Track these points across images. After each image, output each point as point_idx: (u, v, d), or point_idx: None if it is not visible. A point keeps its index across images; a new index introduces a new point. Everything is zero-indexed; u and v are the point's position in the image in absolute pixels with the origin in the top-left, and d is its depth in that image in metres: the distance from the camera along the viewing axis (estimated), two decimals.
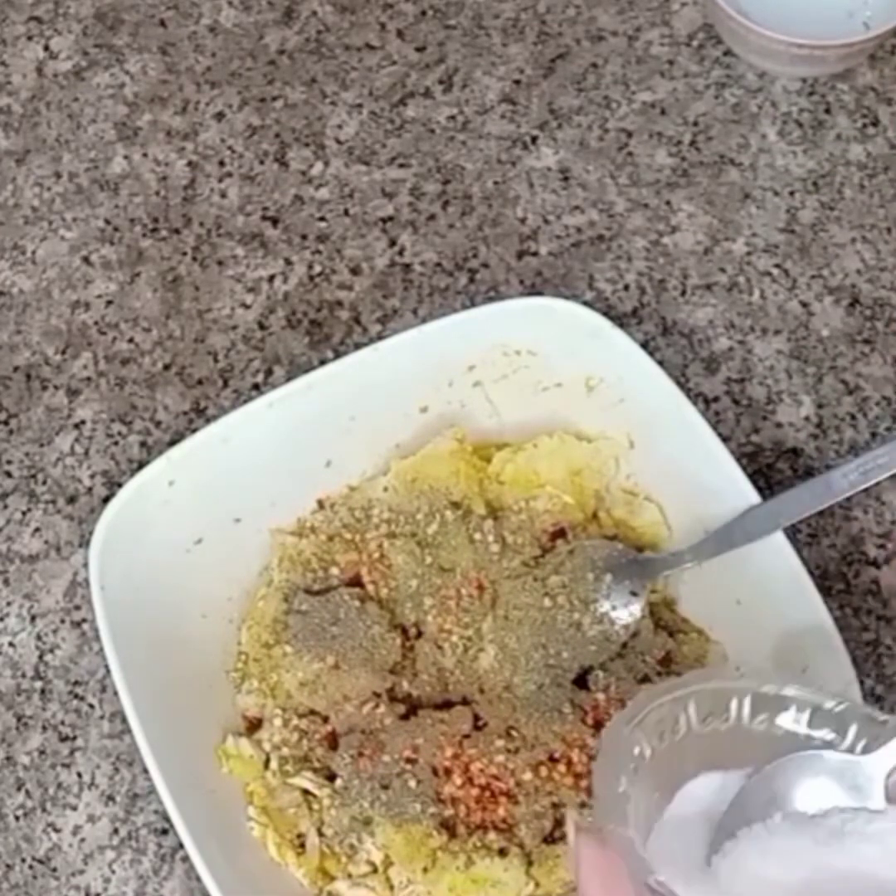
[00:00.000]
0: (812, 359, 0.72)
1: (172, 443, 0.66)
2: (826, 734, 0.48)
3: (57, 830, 0.64)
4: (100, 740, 0.65)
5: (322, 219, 0.77)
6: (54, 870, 0.63)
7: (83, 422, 0.72)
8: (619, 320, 0.68)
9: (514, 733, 0.60)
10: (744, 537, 0.61)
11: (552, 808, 0.59)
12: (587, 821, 0.48)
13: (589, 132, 0.78)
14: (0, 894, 0.63)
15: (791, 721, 0.48)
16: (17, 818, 0.64)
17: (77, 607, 0.68)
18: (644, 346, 0.66)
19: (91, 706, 0.66)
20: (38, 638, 0.67)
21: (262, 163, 0.78)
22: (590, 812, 0.57)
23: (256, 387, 0.72)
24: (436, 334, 0.65)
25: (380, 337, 0.72)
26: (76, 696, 0.66)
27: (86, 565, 0.61)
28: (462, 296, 0.74)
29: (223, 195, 0.77)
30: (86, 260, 0.76)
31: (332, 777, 0.60)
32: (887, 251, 0.74)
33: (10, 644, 0.67)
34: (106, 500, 0.66)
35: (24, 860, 0.63)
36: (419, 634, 0.63)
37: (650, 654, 0.62)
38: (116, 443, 0.71)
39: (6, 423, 0.72)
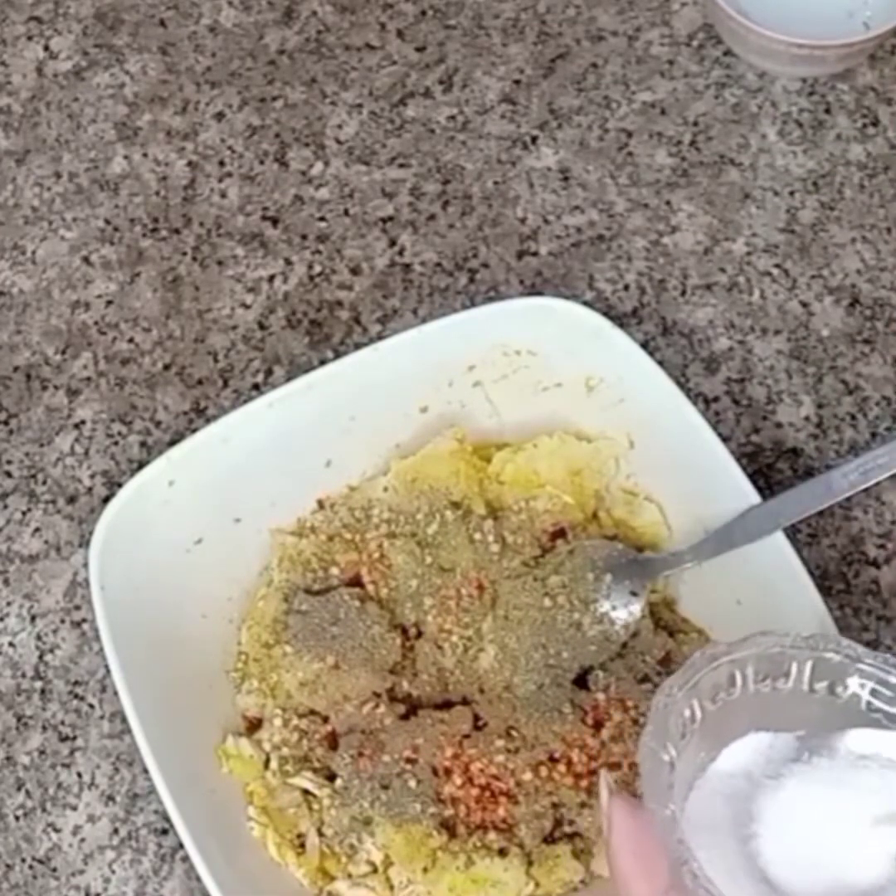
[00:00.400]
0: (812, 359, 0.72)
1: (172, 443, 0.66)
2: (888, 708, 0.47)
3: (57, 830, 0.64)
4: (100, 740, 0.65)
5: (322, 219, 0.77)
6: (54, 870, 0.63)
7: (83, 422, 0.72)
8: (619, 320, 0.68)
9: (514, 733, 0.60)
10: (744, 537, 0.61)
11: (552, 808, 0.59)
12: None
13: (589, 132, 0.78)
14: (0, 894, 0.63)
15: (854, 690, 0.47)
16: (17, 818, 0.64)
17: (77, 607, 0.68)
18: (644, 346, 0.66)
19: (91, 706, 0.66)
20: (38, 638, 0.67)
21: (262, 163, 0.78)
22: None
23: (256, 387, 0.72)
24: (436, 334, 0.65)
25: (380, 337, 0.72)
26: (76, 696, 0.66)
27: (86, 565, 0.61)
28: (462, 296, 0.74)
29: (223, 195, 0.77)
30: (86, 260, 0.76)
31: (332, 777, 0.60)
32: (887, 251, 0.74)
33: (10, 644, 0.67)
34: (106, 500, 0.66)
35: (24, 860, 0.63)
36: (419, 634, 0.63)
37: (650, 654, 0.62)
38: (116, 443, 0.71)
39: (6, 423, 0.72)
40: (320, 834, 0.59)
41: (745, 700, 0.47)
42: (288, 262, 0.75)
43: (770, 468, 0.69)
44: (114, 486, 0.69)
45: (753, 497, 0.61)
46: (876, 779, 0.45)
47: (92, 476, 0.71)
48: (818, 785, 0.45)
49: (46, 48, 0.82)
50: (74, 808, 0.64)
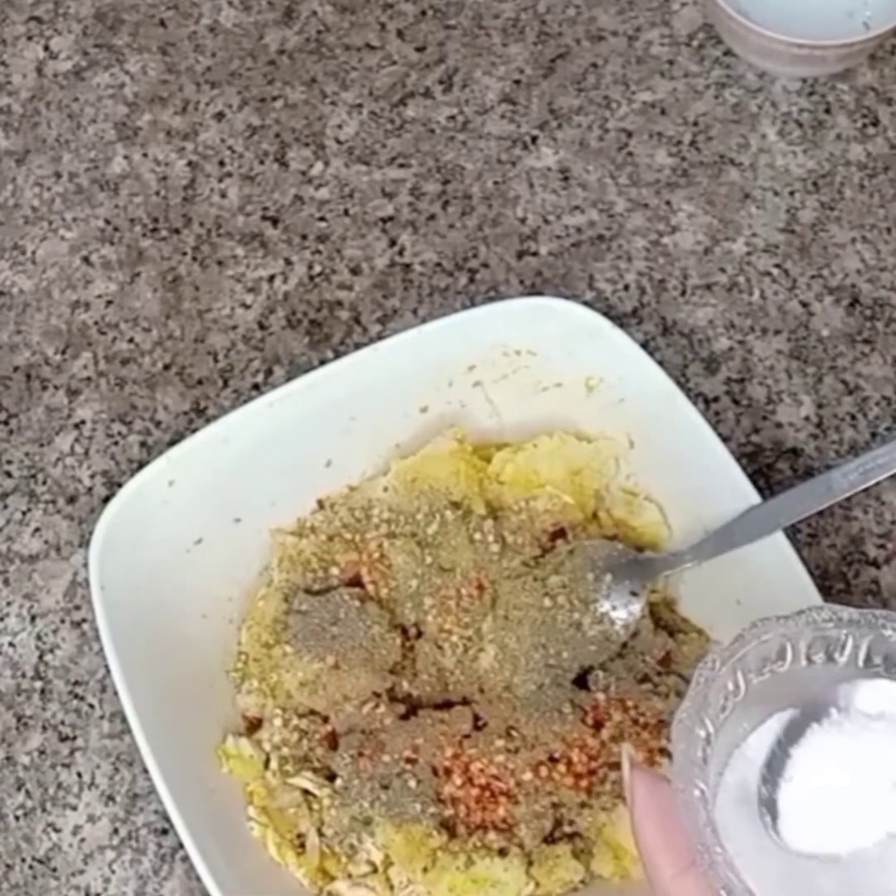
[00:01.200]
0: (812, 359, 0.72)
1: (172, 443, 0.66)
2: None
3: (57, 830, 0.64)
4: (100, 740, 0.65)
5: (322, 219, 0.77)
6: (54, 870, 0.63)
7: (83, 422, 0.72)
8: (619, 320, 0.68)
9: (514, 733, 0.60)
10: (744, 537, 0.61)
11: (552, 808, 0.59)
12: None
13: (589, 132, 0.78)
14: (0, 894, 0.63)
15: None
16: (17, 818, 0.64)
17: (77, 607, 0.68)
18: (644, 346, 0.66)
19: (91, 706, 0.66)
20: (38, 638, 0.67)
21: (262, 163, 0.78)
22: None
23: (256, 387, 0.72)
24: (436, 334, 0.65)
25: (380, 337, 0.72)
26: (76, 696, 0.66)
27: (86, 565, 0.61)
28: (462, 296, 0.74)
29: (223, 195, 0.77)
30: (86, 260, 0.76)
31: (332, 777, 0.60)
32: (887, 251, 0.74)
33: (10, 644, 0.67)
34: (106, 500, 0.66)
35: (24, 860, 0.63)
36: (419, 634, 0.63)
37: (650, 654, 0.62)
38: (116, 443, 0.71)
39: (6, 423, 0.72)
40: (320, 834, 0.59)
41: (795, 673, 0.46)
42: (288, 262, 0.75)
43: (770, 468, 0.69)
44: (114, 486, 0.69)
45: (753, 497, 0.61)
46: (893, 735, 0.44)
47: (92, 476, 0.71)
48: (836, 743, 0.44)
49: (46, 48, 0.82)
50: (74, 808, 0.64)
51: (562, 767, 0.59)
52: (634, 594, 0.62)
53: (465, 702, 0.62)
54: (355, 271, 0.75)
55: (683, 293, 0.74)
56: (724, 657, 0.45)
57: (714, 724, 0.44)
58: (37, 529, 0.70)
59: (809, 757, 0.44)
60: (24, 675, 0.66)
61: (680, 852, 0.43)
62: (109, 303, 0.75)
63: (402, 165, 0.78)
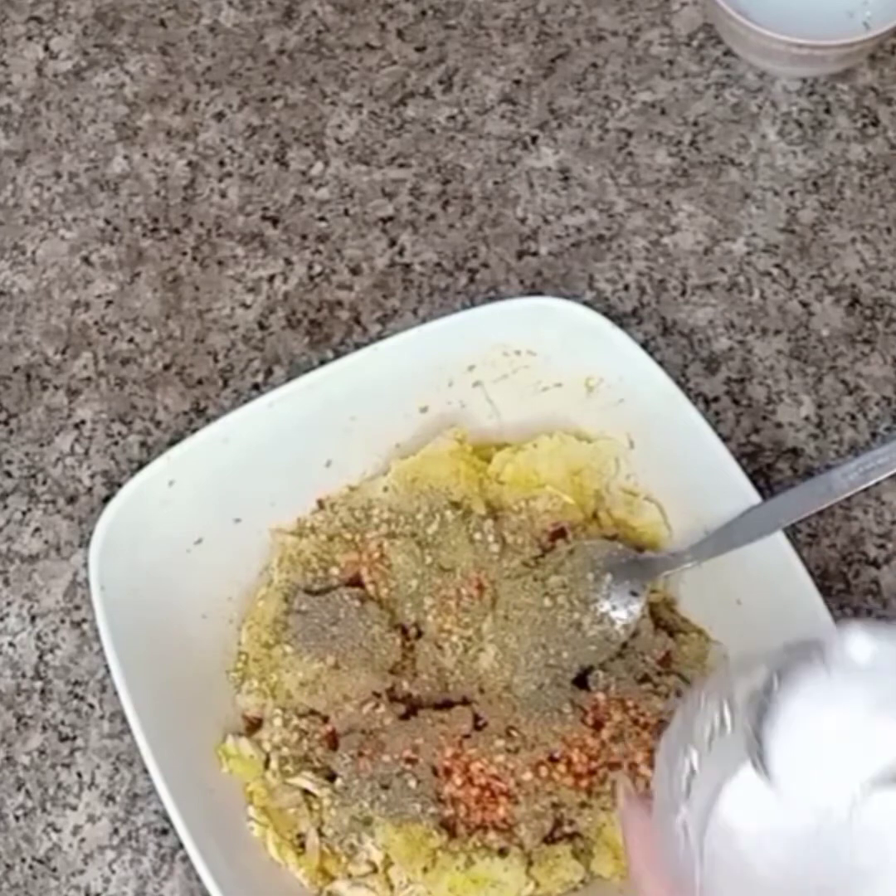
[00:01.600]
0: (812, 359, 0.72)
1: (172, 443, 0.66)
2: None
3: (57, 830, 0.64)
4: (100, 740, 0.65)
5: (322, 219, 0.77)
6: (54, 870, 0.63)
7: (83, 422, 0.72)
8: (619, 320, 0.68)
9: (514, 733, 0.60)
10: (744, 537, 0.61)
11: (552, 808, 0.59)
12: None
13: (589, 132, 0.78)
14: (0, 894, 0.63)
15: None
16: (17, 818, 0.64)
17: (77, 607, 0.68)
18: (644, 346, 0.66)
19: (91, 706, 0.66)
20: (38, 638, 0.67)
21: (262, 163, 0.78)
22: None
23: (256, 387, 0.72)
24: (436, 334, 0.65)
25: (380, 337, 0.72)
26: (76, 696, 0.66)
27: (86, 565, 0.61)
28: (462, 296, 0.74)
29: (223, 195, 0.77)
30: (86, 260, 0.76)
31: (332, 777, 0.60)
32: (887, 251, 0.74)
33: (10, 644, 0.67)
34: (106, 500, 0.66)
35: (24, 860, 0.63)
36: (419, 634, 0.63)
37: (650, 654, 0.62)
38: (116, 443, 0.71)
39: (6, 423, 0.72)
40: (320, 834, 0.60)
41: None
42: (288, 262, 0.75)
43: (770, 468, 0.69)
44: (114, 486, 0.69)
45: (753, 497, 0.61)
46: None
47: (92, 476, 0.71)
48: (824, 691, 0.44)
49: (46, 48, 0.82)
50: (74, 808, 0.64)
51: (562, 767, 0.59)
52: (634, 594, 0.62)
53: (465, 702, 0.62)
54: (355, 271, 0.75)
55: (683, 293, 0.74)
56: (710, 691, 0.45)
57: (700, 755, 0.44)
58: (37, 529, 0.70)
59: (798, 705, 0.44)
60: (24, 675, 0.67)
61: (667, 877, 0.44)
62: (109, 303, 0.75)
63: (402, 165, 0.78)
